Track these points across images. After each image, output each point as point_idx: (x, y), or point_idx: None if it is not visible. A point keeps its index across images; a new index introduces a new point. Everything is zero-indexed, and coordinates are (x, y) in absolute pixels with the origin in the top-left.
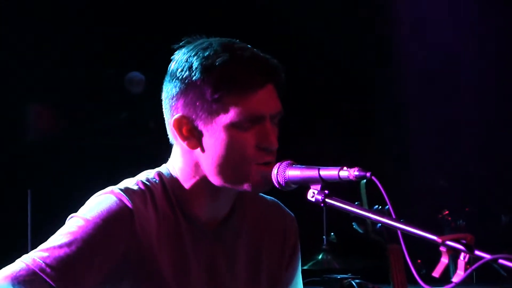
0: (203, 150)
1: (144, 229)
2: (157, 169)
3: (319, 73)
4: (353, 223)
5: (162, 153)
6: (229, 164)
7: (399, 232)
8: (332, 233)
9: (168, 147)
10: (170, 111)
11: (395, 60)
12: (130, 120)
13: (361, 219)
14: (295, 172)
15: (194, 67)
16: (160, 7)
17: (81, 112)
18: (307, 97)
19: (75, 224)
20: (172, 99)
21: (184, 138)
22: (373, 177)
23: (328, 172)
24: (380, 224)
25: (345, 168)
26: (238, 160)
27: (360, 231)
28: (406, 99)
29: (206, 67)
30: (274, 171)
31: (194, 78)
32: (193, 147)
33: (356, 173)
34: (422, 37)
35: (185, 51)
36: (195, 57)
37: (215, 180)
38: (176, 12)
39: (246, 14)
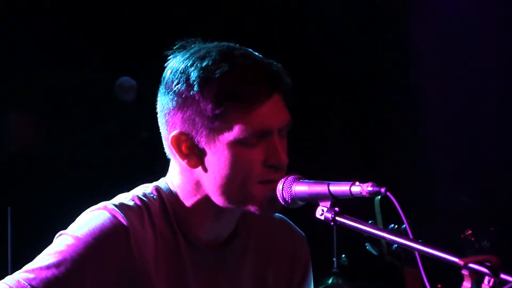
0: (205, 169)
1: (140, 249)
2: (155, 183)
3: (332, 80)
4: (366, 244)
5: (157, 166)
6: (234, 183)
7: (417, 253)
8: (343, 255)
9: (164, 160)
10: (167, 126)
11: (414, 67)
12: (120, 130)
13: (375, 240)
14: (302, 188)
15: (191, 80)
16: (155, 6)
17: (66, 121)
18: (317, 106)
19: (64, 242)
20: (168, 114)
21: (183, 156)
22: (388, 193)
23: (339, 188)
24: (396, 245)
25: (357, 183)
26: (244, 179)
27: (374, 252)
28: (424, 108)
29: (204, 80)
30: (279, 186)
31: (192, 92)
32: (194, 165)
33: (370, 188)
34: (443, 43)
35: (180, 59)
36: (192, 68)
37: (219, 200)
38: (171, 12)
39: (250, 18)
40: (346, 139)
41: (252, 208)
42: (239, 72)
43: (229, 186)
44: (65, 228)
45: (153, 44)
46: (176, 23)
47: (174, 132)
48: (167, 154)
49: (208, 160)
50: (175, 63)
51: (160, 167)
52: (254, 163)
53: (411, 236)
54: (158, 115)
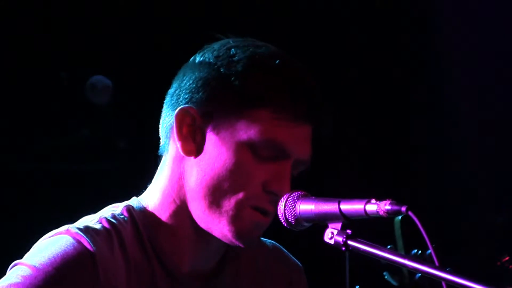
0: (197, 162)
1: (109, 280)
2: (125, 202)
3: (351, 87)
4: (384, 273)
5: (135, 181)
6: (222, 190)
7: (444, 284)
8: (357, 286)
9: (143, 174)
10: (178, 98)
11: (447, 78)
12: (92, 139)
13: (395, 268)
14: (308, 206)
15: (237, 58)
16: None
17: (27, 129)
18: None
19: (20, 273)
20: (190, 84)
21: (181, 137)
22: (410, 213)
23: (352, 206)
24: (419, 274)
25: (373, 200)
26: (234, 192)
27: (394, 283)
28: (457, 118)
29: (250, 65)
30: (281, 205)
31: (232, 71)
32: (188, 152)
33: (388, 207)
34: (477, 56)
35: (233, 39)
36: (243, 49)
37: (196, 207)
38: (154, 3)
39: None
40: (362, 151)
41: (227, 233)
42: (294, 78)
43: (213, 192)
44: (22, 257)
45: (134, 36)
46: (161, 17)
47: (185, 105)
48: (161, 144)
49: (207, 150)
50: (226, 39)
51: (136, 184)
52: (254, 179)
53: (437, 264)
54: (171, 88)
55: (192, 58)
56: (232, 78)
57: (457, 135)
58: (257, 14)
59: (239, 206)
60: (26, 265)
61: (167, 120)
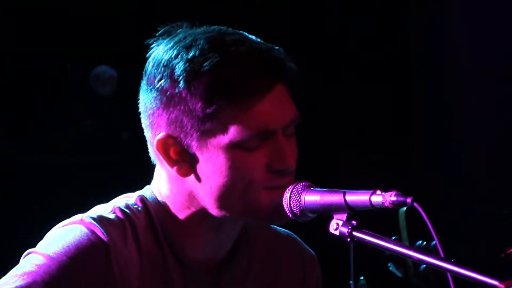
0: (198, 178)
1: (122, 270)
2: (139, 192)
3: (351, 78)
4: (389, 264)
5: (139, 172)
6: (234, 193)
7: (449, 275)
8: (361, 277)
9: (148, 166)
10: (151, 129)
11: (449, 68)
12: (96, 130)
13: (399, 259)
14: (313, 197)
15: (176, 75)
16: None
17: (30, 120)
18: (328, 102)
19: (34, 262)
20: (152, 115)
21: (172, 163)
22: (415, 204)
23: (357, 197)
24: (424, 265)
25: (378, 191)
26: (246, 187)
27: (399, 274)
28: (460, 107)
29: (192, 74)
30: (286, 195)
31: (177, 89)
32: (185, 174)
33: (394, 198)
34: (477, 41)
35: (163, 50)
36: (177, 60)
37: (218, 213)
38: None
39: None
40: (366, 141)
41: (259, 219)
42: (232, 62)
43: (228, 197)
44: (29, 247)
45: (136, 26)
46: (165, 8)
47: (160, 135)
48: (152, 160)
49: (201, 167)
50: (157, 54)
51: (140, 176)
52: (256, 168)
53: (442, 255)
54: (141, 116)
55: (144, 70)
56: (183, 95)
57: (457, 130)
58: (257, 9)
59: (254, 195)
60: (40, 253)
61: (148, 138)
